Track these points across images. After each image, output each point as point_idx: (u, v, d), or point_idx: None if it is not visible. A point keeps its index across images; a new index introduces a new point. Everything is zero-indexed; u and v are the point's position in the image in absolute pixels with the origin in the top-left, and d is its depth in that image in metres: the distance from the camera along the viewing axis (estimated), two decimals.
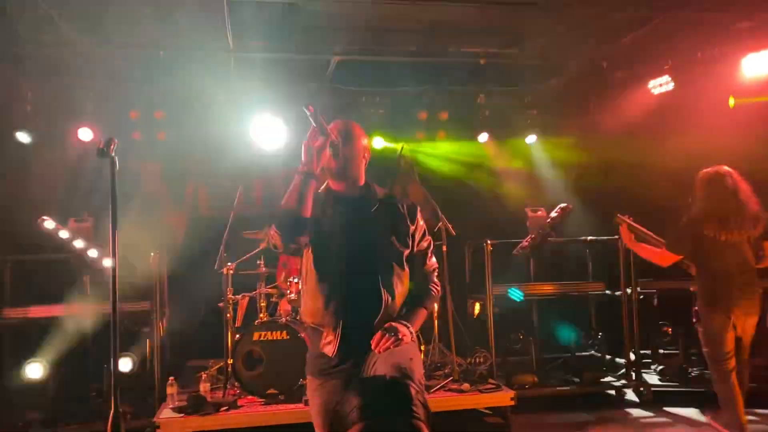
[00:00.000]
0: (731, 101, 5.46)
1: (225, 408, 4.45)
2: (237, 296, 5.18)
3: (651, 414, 5.15)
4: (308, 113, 2.29)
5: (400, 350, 2.31)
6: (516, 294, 5.55)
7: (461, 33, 5.61)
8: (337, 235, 2.41)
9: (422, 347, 5.22)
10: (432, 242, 2.64)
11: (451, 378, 4.96)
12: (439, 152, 7.25)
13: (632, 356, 5.62)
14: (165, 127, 6.21)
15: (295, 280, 5.00)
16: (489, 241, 5.50)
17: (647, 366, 5.94)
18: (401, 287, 2.44)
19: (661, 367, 5.83)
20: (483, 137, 6.88)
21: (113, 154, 2.19)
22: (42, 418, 4.69)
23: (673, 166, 5.53)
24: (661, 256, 4.29)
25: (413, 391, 2.22)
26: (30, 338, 5.16)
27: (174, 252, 5.57)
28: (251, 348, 4.65)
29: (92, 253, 5.09)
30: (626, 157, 6.67)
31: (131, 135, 6.13)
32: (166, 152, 6.52)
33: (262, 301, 5.09)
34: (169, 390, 4.56)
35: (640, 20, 5.29)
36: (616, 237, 5.18)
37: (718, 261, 4.03)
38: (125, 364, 5.03)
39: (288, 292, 5.08)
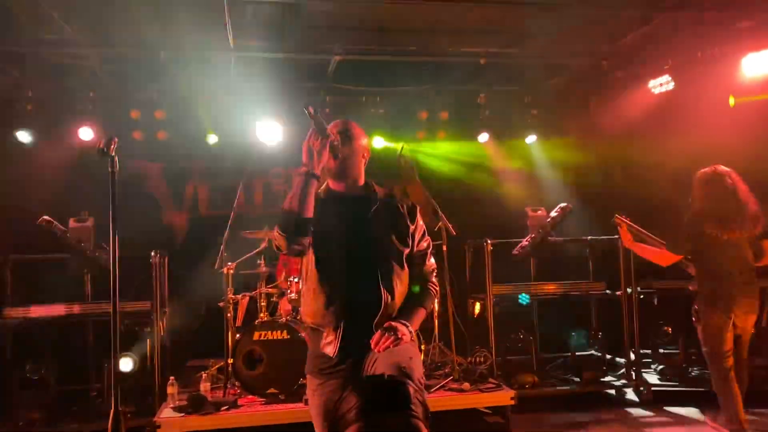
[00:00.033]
0: (731, 101, 5.45)
1: (225, 407, 4.46)
2: (237, 296, 5.19)
3: (651, 413, 5.15)
4: (308, 113, 2.29)
5: (400, 350, 2.31)
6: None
7: (461, 33, 5.61)
8: (337, 235, 2.41)
9: (422, 347, 5.23)
10: (431, 243, 2.65)
11: (451, 377, 4.96)
12: (440, 152, 7.25)
13: (632, 356, 5.62)
14: (165, 127, 6.21)
15: (296, 280, 5.00)
16: (489, 241, 5.51)
17: (647, 365, 5.94)
18: (401, 287, 2.44)
19: (661, 366, 5.85)
20: (483, 137, 6.87)
21: (113, 154, 2.19)
22: (42, 418, 4.69)
23: (673, 166, 5.53)
24: (661, 256, 4.29)
25: (412, 391, 2.22)
26: (30, 338, 5.17)
27: (174, 252, 5.57)
28: (251, 347, 4.65)
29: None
30: (626, 157, 6.68)
31: (132, 135, 6.13)
32: (166, 152, 6.54)
33: (262, 300, 5.10)
34: (170, 390, 4.56)
35: (640, 20, 5.30)
36: (616, 237, 5.19)
37: (718, 260, 4.04)
38: (125, 364, 5.03)
39: (288, 291, 5.07)
